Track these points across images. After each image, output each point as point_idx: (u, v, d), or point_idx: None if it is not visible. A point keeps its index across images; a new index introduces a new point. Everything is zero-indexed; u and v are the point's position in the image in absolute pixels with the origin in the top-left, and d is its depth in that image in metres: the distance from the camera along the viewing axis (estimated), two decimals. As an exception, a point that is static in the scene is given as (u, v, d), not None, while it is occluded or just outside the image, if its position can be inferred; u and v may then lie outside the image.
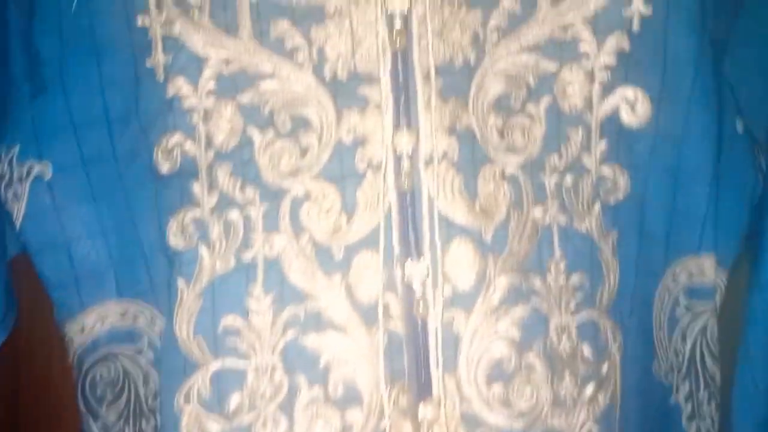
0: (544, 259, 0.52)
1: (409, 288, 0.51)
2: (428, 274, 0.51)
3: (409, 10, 0.50)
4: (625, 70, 0.52)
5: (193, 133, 0.51)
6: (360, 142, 0.51)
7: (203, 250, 0.52)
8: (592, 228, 0.53)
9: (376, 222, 0.51)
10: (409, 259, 0.51)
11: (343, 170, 0.51)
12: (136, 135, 0.52)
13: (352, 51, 0.50)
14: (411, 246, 0.51)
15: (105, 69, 0.52)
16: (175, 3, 0.50)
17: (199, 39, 0.50)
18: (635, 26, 0.51)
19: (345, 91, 0.50)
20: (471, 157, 0.51)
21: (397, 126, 0.50)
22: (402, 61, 0.50)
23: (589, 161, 0.53)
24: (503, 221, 0.51)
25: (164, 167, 0.52)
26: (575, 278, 0.53)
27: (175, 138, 0.51)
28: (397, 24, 0.50)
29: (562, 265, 0.52)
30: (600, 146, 0.53)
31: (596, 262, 0.54)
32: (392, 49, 0.50)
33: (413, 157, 0.51)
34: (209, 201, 0.51)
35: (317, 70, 0.50)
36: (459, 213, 0.51)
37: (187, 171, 0.52)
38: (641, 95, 0.52)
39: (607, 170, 0.53)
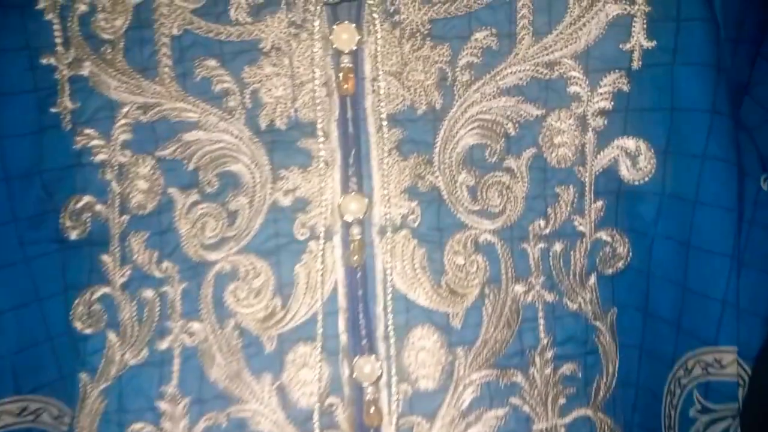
0: (526, 347, 0.43)
1: (358, 389, 0.42)
2: (382, 372, 0.42)
3: (360, 46, 0.41)
4: (624, 115, 0.43)
5: (104, 193, 0.44)
6: (300, 206, 0.42)
7: (111, 336, 0.44)
8: (587, 305, 0.44)
9: (317, 306, 0.42)
10: (359, 354, 0.42)
11: (278, 241, 0.42)
12: (40, 195, 0.44)
13: (292, 95, 0.42)
14: (361, 336, 0.42)
15: (3, 115, 0.44)
16: (85, 37, 0.43)
17: (111, 81, 0.42)
18: (635, 63, 0.42)
19: (283, 144, 0.42)
20: (436, 224, 0.43)
21: (345, 187, 0.42)
22: (352, 107, 0.42)
23: (583, 225, 0.44)
24: (476, 302, 0.43)
25: (72, 233, 0.44)
26: (566, 369, 0.44)
27: (85, 199, 0.44)
28: (345, 62, 0.41)
29: (549, 354, 0.43)
30: (595, 207, 0.44)
31: (591, 347, 0.45)
32: (339, 93, 0.42)
33: (365, 225, 0.42)
34: (120, 276, 0.44)
35: (250, 119, 0.43)
36: (421, 293, 0.42)
37: (98, 239, 0.44)
38: (644, 146, 0.43)
39: (604, 236, 0.44)
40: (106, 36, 0.42)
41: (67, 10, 0.42)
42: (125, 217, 0.43)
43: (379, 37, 0.42)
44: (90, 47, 0.42)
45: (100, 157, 0.43)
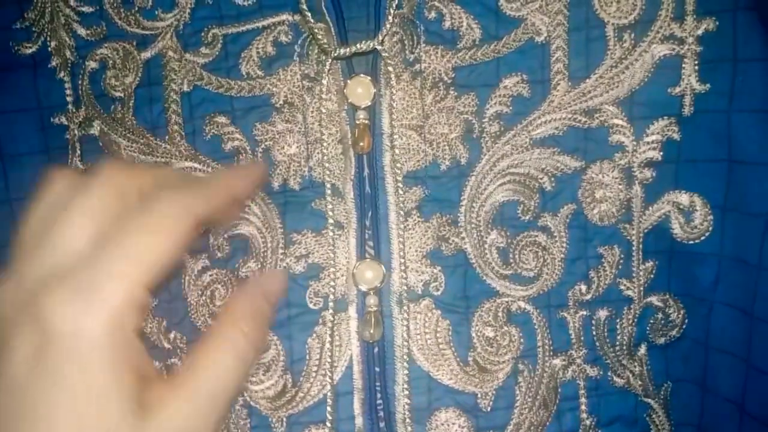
0: (566, 431, 0.39)
1: None
2: None
3: (376, 100, 0.39)
4: (675, 167, 0.39)
5: None
6: (313, 272, 0.40)
7: None
8: (636, 380, 0.40)
9: (330, 385, 0.39)
10: None
11: (289, 311, 0.40)
12: None
13: (306, 153, 0.39)
14: (378, 419, 0.39)
15: (13, 180, 0.43)
16: (96, 96, 0.42)
17: (121, 141, 0.41)
18: (687, 109, 0.38)
19: (296, 206, 0.40)
20: (462, 292, 0.39)
21: (361, 252, 0.40)
22: (369, 166, 0.39)
23: (631, 290, 0.40)
24: (507, 380, 0.39)
25: None
26: None
27: None
28: (361, 118, 0.38)
29: None
30: (645, 269, 0.40)
31: (643, 426, 0.41)
32: (355, 151, 0.39)
33: (382, 295, 0.39)
34: None
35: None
36: (446, 371, 0.39)
37: None
38: (699, 202, 0.39)
39: (655, 301, 0.40)
40: (116, 94, 0.41)
41: (78, 68, 0.41)
42: None
43: (397, 89, 0.39)
44: (100, 106, 0.42)
45: None
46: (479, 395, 0.39)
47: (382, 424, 0.39)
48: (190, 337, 0.40)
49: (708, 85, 0.38)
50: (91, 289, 0.23)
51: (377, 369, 0.39)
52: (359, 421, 0.39)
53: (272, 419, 0.40)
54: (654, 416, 0.40)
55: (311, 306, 0.40)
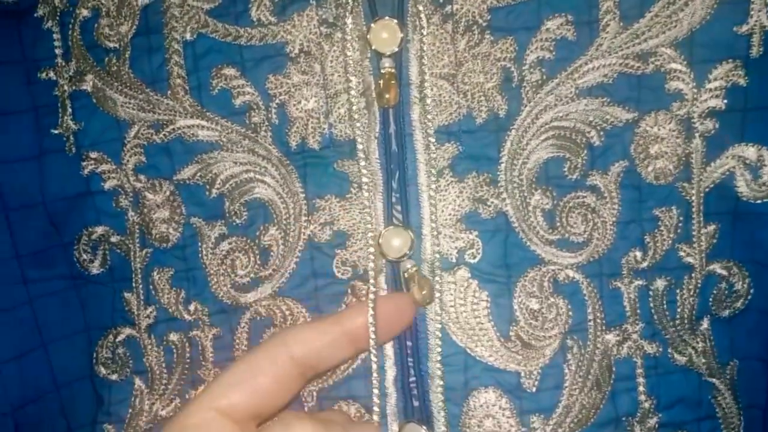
0: (622, 414, 0.36)
1: None
2: None
3: (404, 46, 0.35)
4: (741, 117, 0.35)
5: (121, 223, 0.39)
6: (340, 240, 0.37)
7: (139, 383, 0.39)
8: (699, 358, 0.36)
9: (360, 362, 0.37)
10: (410, 418, 0.36)
11: (316, 282, 0.37)
12: (45, 228, 0.40)
13: (325, 109, 0.35)
14: (410, 397, 0.36)
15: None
16: (87, 47, 0.38)
17: (117, 97, 0.38)
18: (755, 49, 0.35)
19: (318, 168, 0.37)
20: (503, 260, 0.36)
21: (389, 217, 0.36)
22: (395, 121, 0.36)
23: (692, 256, 0.36)
24: (555, 358, 0.36)
25: (92, 268, 0.40)
26: None
27: (99, 230, 0.39)
28: (386, 66, 0.35)
29: (653, 422, 0.36)
30: (706, 233, 0.36)
31: (708, 411, 0.37)
32: (380, 105, 0.35)
33: (415, 263, 0.36)
34: (145, 318, 0.39)
35: (278, 137, 0.37)
36: (484, 347, 0.36)
37: (120, 274, 0.39)
38: None
39: (718, 269, 0.36)
40: (110, 44, 0.38)
41: (68, 17, 0.38)
42: (147, 251, 0.39)
43: (426, 33, 0.35)
44: (93, 58, 0.38)
45: (112, 183, 0.39)
46: (523, 374, 0.36)
47: (416, 403, 0.36)
48: (212, 308, 0.38)
49: None
50: None
51: (409, 343, 0.36)
52: (392, 398, 0.36)
53: (303, 393, 0.37)
54: (720, 398, 0.37)
55: (339, 276, 0.37)
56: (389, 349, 0.36)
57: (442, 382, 0.36)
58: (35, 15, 0.38)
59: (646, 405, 0.36)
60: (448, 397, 0.36)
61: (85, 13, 0.38)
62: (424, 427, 0.36)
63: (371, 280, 0.35)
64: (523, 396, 0.36)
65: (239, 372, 0.32)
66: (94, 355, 0.40)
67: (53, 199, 0.39)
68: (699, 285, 0.36)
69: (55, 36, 0.38)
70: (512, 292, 0.36)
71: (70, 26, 0.38)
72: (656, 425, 0.36)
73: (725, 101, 0.35)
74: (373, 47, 0.36)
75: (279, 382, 0.32)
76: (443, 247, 0.36)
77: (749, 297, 0.37)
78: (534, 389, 0.35)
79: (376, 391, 0.35)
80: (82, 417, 0.41)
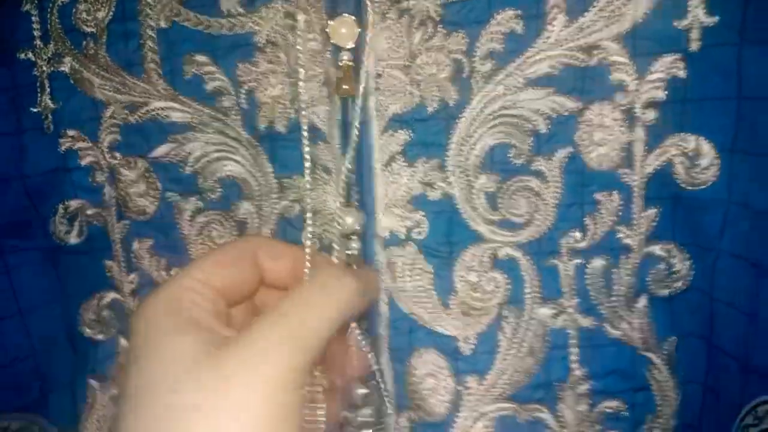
0: (554, 379, 0.38)
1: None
2: (381, 402, 0.40)
3: (360, 40, 0.37)
4: (681, 107, 0.38)
5: (98, 197, 0.42)
6: (308, 216, 0.39)
7: (123, 342, 0.43)
8: (634, 332, 0.39)
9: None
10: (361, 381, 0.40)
11: None
12: (23, 202, 0.43)
13: (290, 95, 0.38)
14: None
15: None
16: (65, 30, 0.41)
17: (94, 79, 0.40)
18: (694, 44, 0.37)
19: (285, 150, 0.40)
20: (446, 237, 0.39)
21: (348, 197, 0.39)
22: (354, 108, 0.38)
23: (630, 238, 0.38)
24: (491, 326, 0.39)
25: (69, 238, 0.43)
26: (606, 406, 0.39)
27: (74, 204, 0.43)
28: (345, 59, 0.37)
29: (583, 388, 0.38)
30: (647, 216, 0.38)
31: (641, 383, 0.39)
32: (339, 94, 0.38)
33: (367, 239, 0.39)
34: (128, 283, 0.43)
35: (248, 120, 0.40)
36: (428, 313, 0.39)
37: (98, 244, 0.43)
38: (706, 145, 0.37)
39: (657, 250, 0.39)
40: (87, 29, 0.41)
41: (47, 1, 0.41)
42: (125, 223, 0.42)
43: (382, 28, 0.38)
44: (71, 42, 0.41)
45: (88, 159, 0.42)
46: (461, 339, 0.39)
47: (372, 360, 0.40)
48: None
49: (717, 18, 0.36)
50: None
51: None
52: None
53: None
54: (655, 371, 0.39)
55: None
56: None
57: (387, 342, 0.39)
58: None
59: (578, 373, 0.39)
60: (395, 357, 0.39)
61: None
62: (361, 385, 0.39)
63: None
64: (459, 358, 0.39)
65: (209, 256, 0.34)
66: (79, 318, 0.43)
67: (31, 174, 0.43)
68: (637, 265, 0.39)
69: (33, 19, 0.41)
70: (453, 266, 0.39)
71: (49, 10, 0.41)
72: (587, 391, 0.39)
73: (666, 92, 0.37)
74: (332, 41, 0.38)
75: (242, 273, 0.34)
76: (393, 224, 0.39)
77: (690, 277, 0.39)
78: (469, 352, 0.39)
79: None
80: (61, 377, 0.44)
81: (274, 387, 0.27)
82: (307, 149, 0.37)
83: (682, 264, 0.39)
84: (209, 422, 0.27)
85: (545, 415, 0.39)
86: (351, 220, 0.39)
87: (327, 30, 0.38)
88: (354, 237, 0.39)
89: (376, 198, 0.39)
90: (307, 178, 0.37)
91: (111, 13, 0.40)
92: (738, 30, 0.36)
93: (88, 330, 0.43)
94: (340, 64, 0.38)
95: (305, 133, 0.37)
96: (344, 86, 0.38)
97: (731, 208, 0.37)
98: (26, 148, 0.42)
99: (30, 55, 0.41)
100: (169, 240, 0.41)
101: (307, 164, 0.37)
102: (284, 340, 0.29)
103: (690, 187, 0.38)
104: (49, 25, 0.41)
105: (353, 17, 0.38)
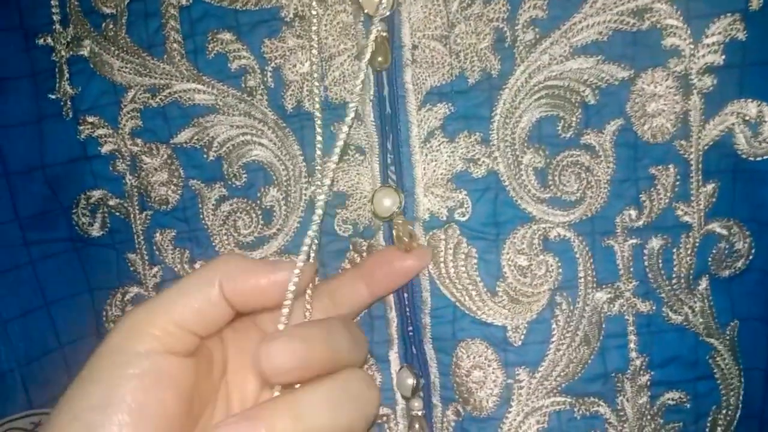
0: (611, 370, 0.36)
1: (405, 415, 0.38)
2: (424, 387, 0.38)
3: (396, 9, 0.36)
4: (740, 72, 0.35)
5: (119, 187, 0.41)
6: (340, 200, 0.38)
7: None
8: (696, 317, 0.36)
9: (364, 312, 0.39)
10: (403, 368, 0.38)
11: (320, 239, 0.38)
12: (44, 192, 0.41)
13: (320, 71, 0.36)
14: (410, 347, 0.38)
15: None
16: (85, 13, 0.39)
17: (114, 61, 0.39)
18: (755, 2, 0.35)
19: (314, 130, 0.37)
20: (493, 218, 0.36)
21: (384, 178, 0.38)
22: (389, 83, 0.37)
23: (689, 215, 0.36)
24: (543, 313, 0.37)
25: (92, 231, 0.41)
26: (668, 398, 0.37)
27: (96, 194, 0.41)
28: (378, 30, 0.35)
29: (644, 379, 0.36)
30: (705, 192, 0.36)
31: (704, 371, 0.37)
32: (373, 67, 0.36)
33: (404, 218, 0.37)
34: (152, 277, 0.41)
35: (274, 100, 0.38)
36: (473, 301, 0.37)
37: (121, 236, 0.41)
38: None
39: (718, 228, 0.36)
40: (107, 10, 0.39)
41: None
42: (147, 213, 0.40)
43: None
44: (90, 23, 0.39)
45: (109, 147, 0.40)
46: (509, 328, 0.37)
47: (414, 351, 0.38)
48: None
49: None
50: None
51: (406, 295, 0.38)
52: (395, 344, 0.38)
53: None
54: (718, 359, 0.37)
55: (340, 233, 0.39)
56: (391, 299, 0.38)
57: (430, 333, 0.37)
58: None
59: (638, 362, 0.36)
60: (439, 347, 0.37)
61: None
62: (411, 375, 0.37)
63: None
64: (509, 349, 0.37)
65: (170, 292, 0.31)
66: (104, 314, 0.42)
67: (51, 164, 0.41)
68: (697, 244, 0.36)
69: (52, 2, 0.40)
70: (500, 249, 0.36)
71: None
72: (648, 382, 0.36)
73: (723, 57, 0.35)
74: (365, 11, 0.36)
75: (206, 306, 0.31)
76: (434, 206, 0.37)
77: (750, 257, 0.37)
78: (519, 343, 0.36)
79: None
80: None
81: None
82: (344, 130, 0.35)
83: (743, 242, 0.37)
84: None
85: (603, 409, 0.36)
86: (389, 202, 0.36)
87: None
88: (395, 217, 0.37)
89: (416, 178, 0.37)
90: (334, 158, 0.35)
91: None
92: None
93: (111, 325, 0.41)
94: (375, 35, 0.36)
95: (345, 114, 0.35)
96: (378, 59, 0.36)
97: None
98: (46, 136, 0.41)
99: (49, 40, 0.40)
100: (192, 231, 0.40)
101: (340, 143, 0.35)
102: None
103: (751, 158, 0.36)
104: (68, 8, 0.39)
105: None
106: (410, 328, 0.38)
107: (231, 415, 0.30)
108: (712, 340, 0.37)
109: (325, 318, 0.34)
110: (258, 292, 0.32)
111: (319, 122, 0.36)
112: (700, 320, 0.37)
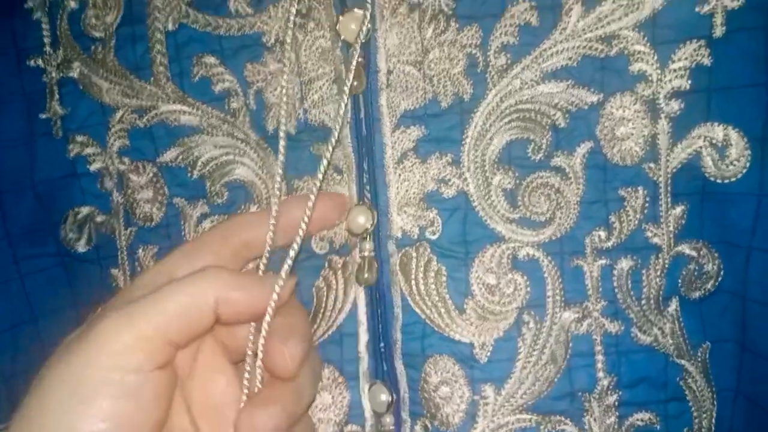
0: (578, 389, 0.37)
1: (378, 418, 0.39)
2: (395, 402, 0.38)
3: (371, 35, 0.37)
4: (706, 96, 0.36)
5: (106, 203, 0.42)
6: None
7: None
8: (666, 338, 0.37)
9: (335, 325, 0.39)
10: (377, 379, 0.39)
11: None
12: (33, 208, 0.43)
13: (300, 94, 0.38)
14: (380, 363, 0.39)
15: None
16: (75, 36, 0.41)
17: (102, 83, 0.40)
18: (718, 29, 0.35)
19: (295, 151, 0.39)
20: (462, 236, 0.37)
21: (360, 197, 0.39)
22: (365, 106, 0.38)
23: (658, 237, 0.37)
24: (510, 331, 0.37)
25: (78, 246, 0.43)
26: (638, 419, 0.37)
27: (84, 211, 0.42)
28: (355, 56, 0.37)
29: (611, 399, 0.36)
30: (674, 214, 0.37)
31: (675, 392, 0.37)
32: (350, 92, 0.37)
33: (380, 239, 0.39)
34: None
35: (256, 121, 0.39)
36: (441, 318, 0.38)
37: (106, 252, 0.42)
38: (735, 135, 0.36)
39: (687, 249, 0.37)
40: (96, 34, 0.41)
41: (57, 8, 0.41)
42: (132, 229, 0.42)
43: (393, 23, 0.37)
44: (80, 47, 0.41)
45: (97, 165, 0.42)
46: (476, 345, 0.37)
47: (385, 367, 0.39)
48: None
49: (741, 0, 0.34)
50: None
51: (379, 311, 0.39)
52: (364, 361, 0.39)
53: None
54: (690, 381, 0.37)
55: (317, 250, 0.40)
56: (363, 316, 0.39)
57: (401, 349, 0.38)
58: (24, 6, 0.42)
59: (605, 382, 0.37)
60: (408, 363, 0.38)
61: (73, 4, 0.41)
62: (386, 391, 0.38)
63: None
64: (475, 366, 0.37)
65: (158, 300, 0.32)
66: None
67: (41, 181, 0.43)
68: (666, 266, 0.37)
69: (44, 26, 0.42)
70: (469, 267, 0.37)
71: (59, 17, 0.41)
72: (616, 402, 0.37)
73: (690, 81, 0.36)
74: (342, 37, 0.38)
75: (196, 316, 0.32)
76: (406, 224, 0.38)
77: (720, 278, 0.37)
78: (485, 360, 0.37)
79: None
80: None
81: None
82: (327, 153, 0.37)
83: (712, 264, 0.37)
84: None
85: (570, 428, 0.37)
86: (363, 220, 0.38)
87: (337, 27, 0.38)
88: (367, 237, 0.38)
89: (389, 198, 0.38)
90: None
91: (119, 17, 0.40)
92: (765, 11, 0.34)
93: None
94: (351, 60, 0.38)
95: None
96: (354, 83, 0.37)
97: (763, 201, 0.36)
98: (36, 154, 0.42)
99: (39, 62, 0.42)
100: (174, 247, 0.41)
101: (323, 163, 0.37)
102: None
103: (719, 180, 0.36)
104: (58, 32, 0.41)
105: (362, 12, 0.37)
106: (382, 344, 0.39)
107: None
108: (683, 362, 0.37)
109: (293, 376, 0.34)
110: (248, 306, 0.33)
111: (283, 143, 0.37)
112: (671, 341, 0.37)
